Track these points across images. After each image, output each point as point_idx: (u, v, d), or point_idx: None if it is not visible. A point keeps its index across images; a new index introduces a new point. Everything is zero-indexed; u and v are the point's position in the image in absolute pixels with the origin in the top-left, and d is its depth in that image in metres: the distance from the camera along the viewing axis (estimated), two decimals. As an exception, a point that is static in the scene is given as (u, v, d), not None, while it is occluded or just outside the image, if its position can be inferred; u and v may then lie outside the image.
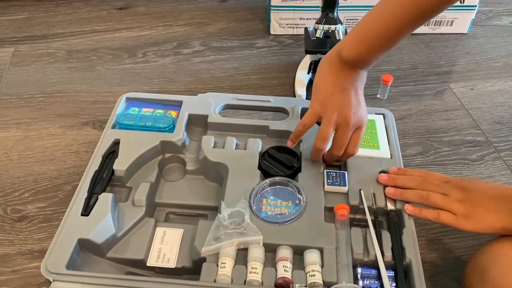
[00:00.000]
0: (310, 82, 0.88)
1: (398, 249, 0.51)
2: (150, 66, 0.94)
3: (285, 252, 0.50)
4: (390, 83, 0.85)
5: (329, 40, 0.82)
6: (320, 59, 0.86)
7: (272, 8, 0.99)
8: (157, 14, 1.10)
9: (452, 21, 1.03)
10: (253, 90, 0.89)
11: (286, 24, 1.02)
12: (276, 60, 0.96)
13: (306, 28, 0.84)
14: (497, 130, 0.82)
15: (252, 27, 1.06)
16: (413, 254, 0.50)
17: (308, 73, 0.86)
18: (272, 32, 1.03)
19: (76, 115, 0.83)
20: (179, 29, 1.05)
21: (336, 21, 0.79)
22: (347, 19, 1.01)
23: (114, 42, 1.00)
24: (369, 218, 0.54)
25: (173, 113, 0.66)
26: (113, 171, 0.59)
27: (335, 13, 0.79)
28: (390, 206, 0.55)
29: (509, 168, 0.75)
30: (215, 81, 0.91)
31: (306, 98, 0.83)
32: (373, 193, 0.56)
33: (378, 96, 0.87)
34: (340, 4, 0.81)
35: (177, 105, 0.68)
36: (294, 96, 0.86)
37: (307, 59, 0.88)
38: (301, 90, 0.85)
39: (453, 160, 0.76)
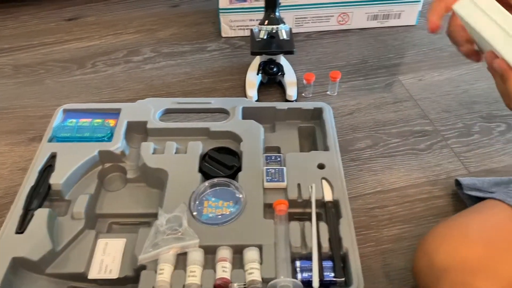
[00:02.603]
0: (261, 84, 0.88)
1: (335, 239, 0.51)
2: (100, 76, 0.93)
3: (224, 253, 0.50)
4: (338, 79, 0.85)
5: (274, 40, 0.83)
6: (269, 59, 0.87)
7: (220, 11, 0.99)
8: (107, 23, 1.08)
9: (400, 13, 1.05)
10: (204, 94, 0.88)
11: (237, 26, 1.02)
12: (228, 63, 0.96)
13: (251, 30, 0.84)
14: (445, 118, 0.83)
15: (203, 30, 1.06)
16: (350, 243, 0.51)
17: (258, 74, 0.86)
18: (223, 34, 1.03)
19: (24, 131, 0.81)
20: (129, 37, 1.04)
21: (279, 21, 0.79)
22: (296, 18, 1.01)
23: (63, 54, 0.99)
24: (313, 210, 0.54)
25: (112, 122, 0.65)
26: (49, 186, 0.57)
27: (277, 13, 0.79)
28: (328, 198, 0.56)
29: (456, 155, 0.77)
30: (167, 87, 0.90)
31: (256, 100, 0.84)
32: (311, 186, 0.57)
33: (328, 92, 0.88)
34: (289, 3, 0.81)
35: (116, 113, 0.67)
36: (246, 97, 0.86)
37: (257, 60, 0.89)
38: (251, 92, 0.85)
39: (402, 151, 0.77)
